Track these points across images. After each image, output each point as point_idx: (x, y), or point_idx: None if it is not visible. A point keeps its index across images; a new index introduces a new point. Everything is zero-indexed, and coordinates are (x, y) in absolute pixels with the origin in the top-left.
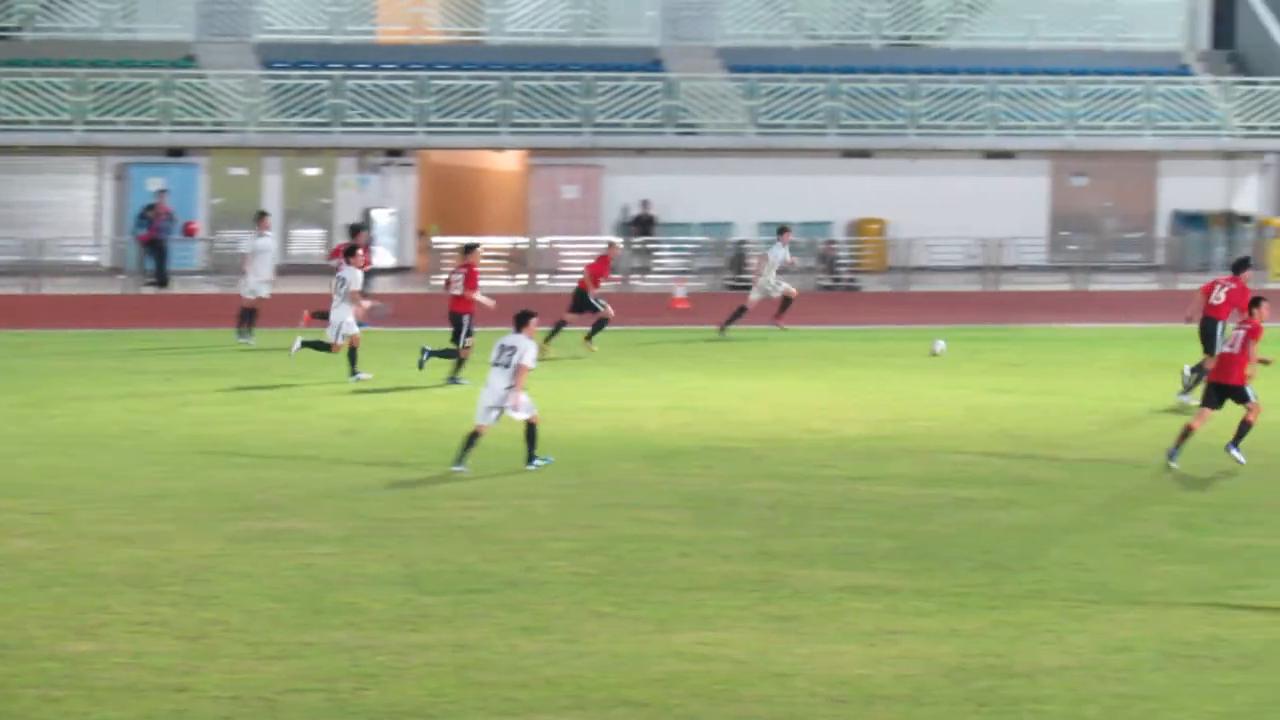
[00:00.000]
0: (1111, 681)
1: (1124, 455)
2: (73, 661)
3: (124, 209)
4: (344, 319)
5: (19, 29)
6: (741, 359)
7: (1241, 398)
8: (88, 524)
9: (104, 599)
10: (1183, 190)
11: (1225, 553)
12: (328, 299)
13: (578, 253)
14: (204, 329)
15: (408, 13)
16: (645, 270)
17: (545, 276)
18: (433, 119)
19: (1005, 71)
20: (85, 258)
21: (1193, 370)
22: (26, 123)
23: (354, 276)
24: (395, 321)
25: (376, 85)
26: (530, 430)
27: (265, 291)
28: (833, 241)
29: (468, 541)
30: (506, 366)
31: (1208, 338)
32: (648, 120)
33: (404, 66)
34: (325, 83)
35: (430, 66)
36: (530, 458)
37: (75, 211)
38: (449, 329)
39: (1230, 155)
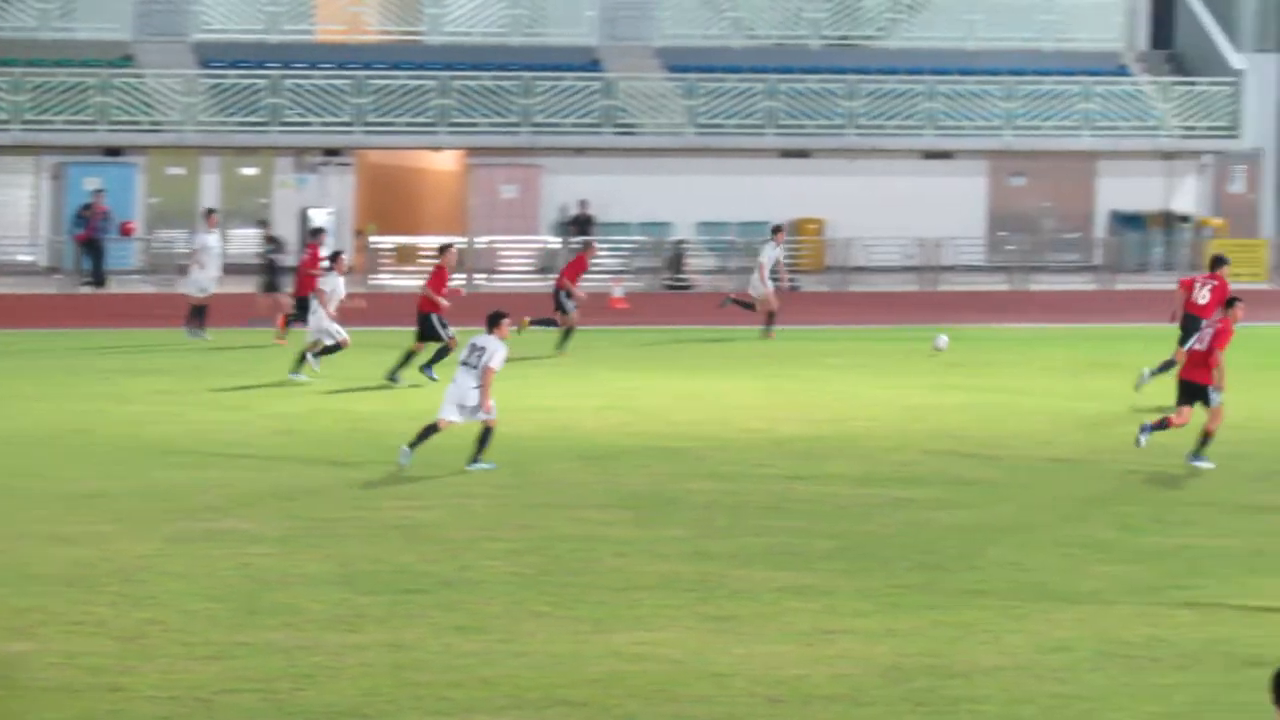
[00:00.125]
0: (1049, 681)
1: (1063, 455)
2: (7, 662)
3: (61, 208)
4: (325, 325)
5: None
6: (679, 359)
7: (1205, 399)
8: (25, 524)
9: (40, 599)
10: (1121, 190)
11: (1163, 553)
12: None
13: (516, 253)
14: (141, 328)
15: (345, 12)
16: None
17: (483, 276)
18: (370, 118)
19: (944, 72)
20: (22, 257)
21: (1152, 372)
22: None
23: (338, 284)
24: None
25: (314, 85)
26: (485, 433)
27: (214, 288)
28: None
29: (405, 541)
30: (474, 367)
31: (1189, 336)
32: (586, 120)
33: (342, 66)
34: (263, 82)
35: (368, 66)
36: (474, 459)
37: (12, 211)
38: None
39: (1168, 156)
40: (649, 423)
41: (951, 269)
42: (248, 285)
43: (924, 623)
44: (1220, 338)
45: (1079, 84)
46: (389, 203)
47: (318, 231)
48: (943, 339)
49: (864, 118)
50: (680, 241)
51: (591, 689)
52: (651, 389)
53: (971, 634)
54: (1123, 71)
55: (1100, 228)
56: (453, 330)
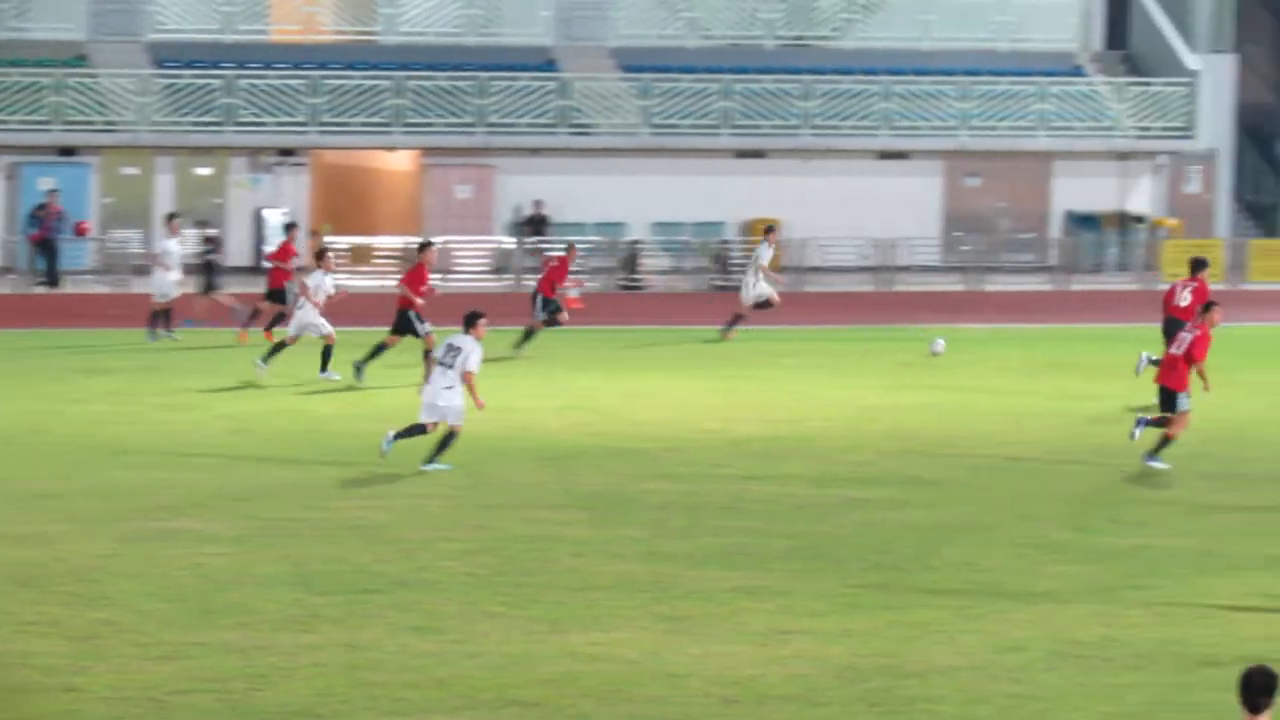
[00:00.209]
0: (1004, 681)
1: (1018, 455)
2: None
3: (15, 208)
4: (313, 319)
5: None
6: (636, 359)
7: (1173, 405)
8: None
9: None
10: (1076, 191)
11: (1118, 553)
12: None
13: (471, 253)
14: (95, 329)
15: (300, 12)
16: (537, 270)
17: (438, 276)
18: (325, 118)
19: (899, 72)
20: None
21: (1151, 359)
22: None
23: (324, 281)
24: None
25: (269, 85)
26: (448, 436)
27: (176, 292)
28: (725, 241)
29: (360, 542)
30: (450, 367)
31: (1171, 339)
32: (541, 120)
33: (297, 66)
34: (217, 82)
35: (323, 66)
36: (431, 459)
37: None
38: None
39: (1123, 156)
40: (606, 423)
41: (907, 269)
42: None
43: (879, 623)
44: (1198, 346)
45: (1034, 84)
46: (344, 203)
47: (290, 226)
48: (940, 343)
49: (819, 118)
50: (635, 242)
51: (546, 689)
52: (608, 389)
53: (927, 634)
54: (1078, 72)
55: (1055, 228)
56: (429, 327)
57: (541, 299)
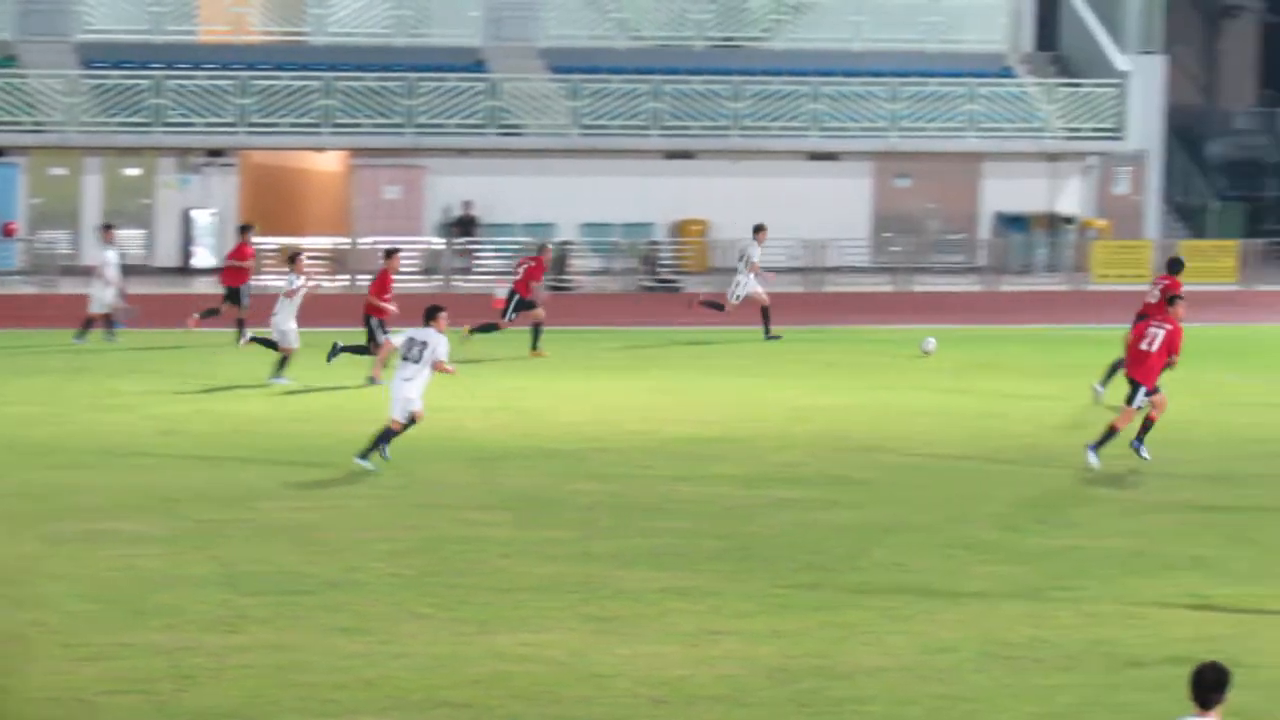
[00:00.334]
0: (933, 682)
1: (947, 455)
2: None
3: None
4: (289, 325)
5: None
6: (563, 360)
7: (1132, 396)
8: None
9: None
10: (1005, 192)
11: (1046, 554)
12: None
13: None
14: (22, 329)
15: (229, 13)
16: (467, 271)
17: (367, 277)
18: (254, 119)
19: (829, 73)
20: None
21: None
22: None
23: (298, 285)
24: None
25: (197, 85)
26: (387, 431)
27: (113, 301)
28: (655, 242)
29: (289, 542)
30: (415, 361)
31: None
32: (470, 121)
33: (225, 66)
34: (146, 83)
35: (252, 66)
36: (365, 453)
37: None
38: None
39: (1053, 157)
40: (534, 424)
41: (836, 270)
42: (132, 286)
43: (809, 623)
44: (1173, 340)
45: (964, 85)
46: (272, 203)
47: (245, 228)
48: (930, 341)
49: (749, 119)
50: (564, 242)
51: (474, 690)
52: (536, 390)
53: (856, 635)
54: (1007, 73)
55: (985, 229)
56: (392, 339)
57: (518, 299)
